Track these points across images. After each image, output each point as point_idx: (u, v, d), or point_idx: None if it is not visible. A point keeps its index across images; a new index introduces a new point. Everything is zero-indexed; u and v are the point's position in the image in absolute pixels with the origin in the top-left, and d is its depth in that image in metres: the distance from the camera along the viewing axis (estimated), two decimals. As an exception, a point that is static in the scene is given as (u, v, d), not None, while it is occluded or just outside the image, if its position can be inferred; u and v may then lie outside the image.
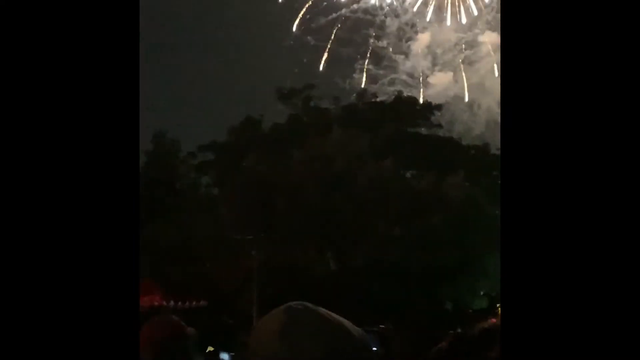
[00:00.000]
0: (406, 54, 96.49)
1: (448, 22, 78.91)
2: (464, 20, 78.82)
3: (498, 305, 41.68)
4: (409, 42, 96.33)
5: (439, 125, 45.63)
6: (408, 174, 41.92)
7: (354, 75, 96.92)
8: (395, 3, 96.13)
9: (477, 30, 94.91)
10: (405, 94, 49.47)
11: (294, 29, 70.58)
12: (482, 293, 42.03)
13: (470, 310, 41.31)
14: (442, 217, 35.18)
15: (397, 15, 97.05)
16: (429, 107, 45.56)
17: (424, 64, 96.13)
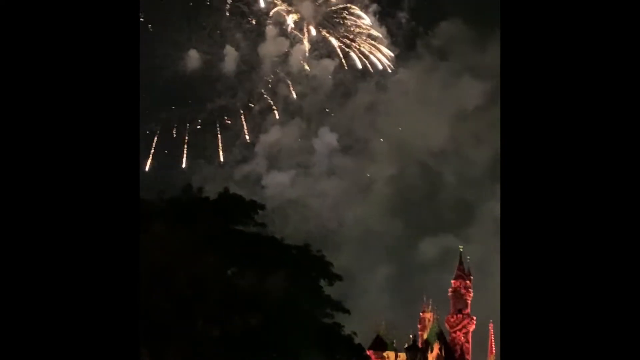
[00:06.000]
0: (244, 157, 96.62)
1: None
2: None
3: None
4: (250, 143, 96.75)
5: (263, 225, 45.58)
6: (229, 272, 41.41)
7: (182, 168, 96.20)
8: (238, 105, 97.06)
9: (313, 134, 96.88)
10: (231, 192, 49.32)
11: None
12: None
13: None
14: (262, 316, 34.85)
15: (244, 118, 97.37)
16: (253, 206, 45.49)
17: (261, 165, 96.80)
